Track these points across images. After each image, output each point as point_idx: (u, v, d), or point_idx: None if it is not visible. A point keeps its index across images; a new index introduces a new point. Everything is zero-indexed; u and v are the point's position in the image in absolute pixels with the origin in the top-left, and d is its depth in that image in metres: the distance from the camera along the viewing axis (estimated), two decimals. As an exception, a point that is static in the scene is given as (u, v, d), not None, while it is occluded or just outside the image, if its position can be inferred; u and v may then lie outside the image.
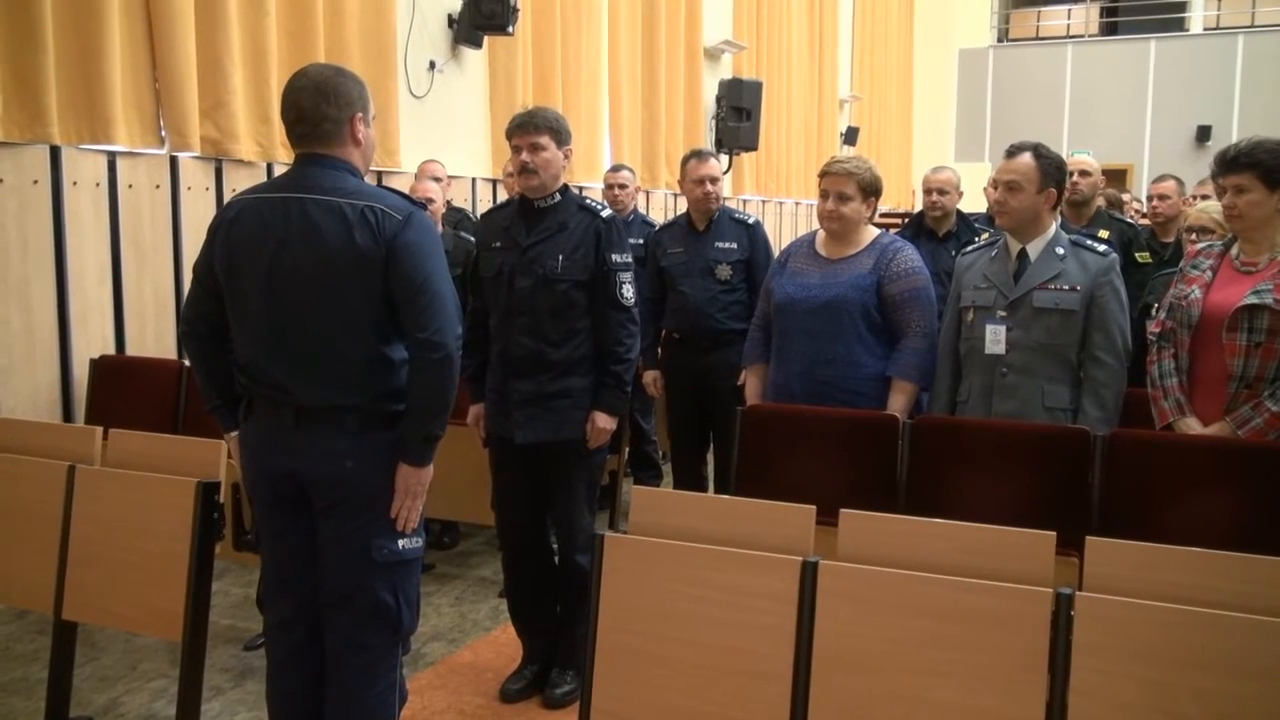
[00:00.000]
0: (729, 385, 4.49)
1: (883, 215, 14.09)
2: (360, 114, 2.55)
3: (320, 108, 2.49)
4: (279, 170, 5.52)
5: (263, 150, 5.43)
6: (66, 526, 3.13)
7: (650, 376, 4.84)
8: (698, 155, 4.68)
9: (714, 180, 4.61)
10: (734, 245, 4.59)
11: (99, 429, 3.30)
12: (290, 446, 2.51)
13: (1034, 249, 3.34)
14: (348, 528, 2.53)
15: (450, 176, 6.10)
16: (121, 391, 4.55)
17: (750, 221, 4.70)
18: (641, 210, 6.85)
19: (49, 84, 4.37)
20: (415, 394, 2.50)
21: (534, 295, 3.30)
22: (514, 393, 3.34)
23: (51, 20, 4.36)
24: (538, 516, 3.50)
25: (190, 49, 4.96)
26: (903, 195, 16.19)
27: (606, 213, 3.39)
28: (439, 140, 6.75)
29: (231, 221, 2.54)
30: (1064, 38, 17.67)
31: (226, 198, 5.22)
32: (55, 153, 4.52)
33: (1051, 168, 3.31)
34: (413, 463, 2.53)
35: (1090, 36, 17.64)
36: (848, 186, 3.52)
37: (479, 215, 3.59)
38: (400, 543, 2.57)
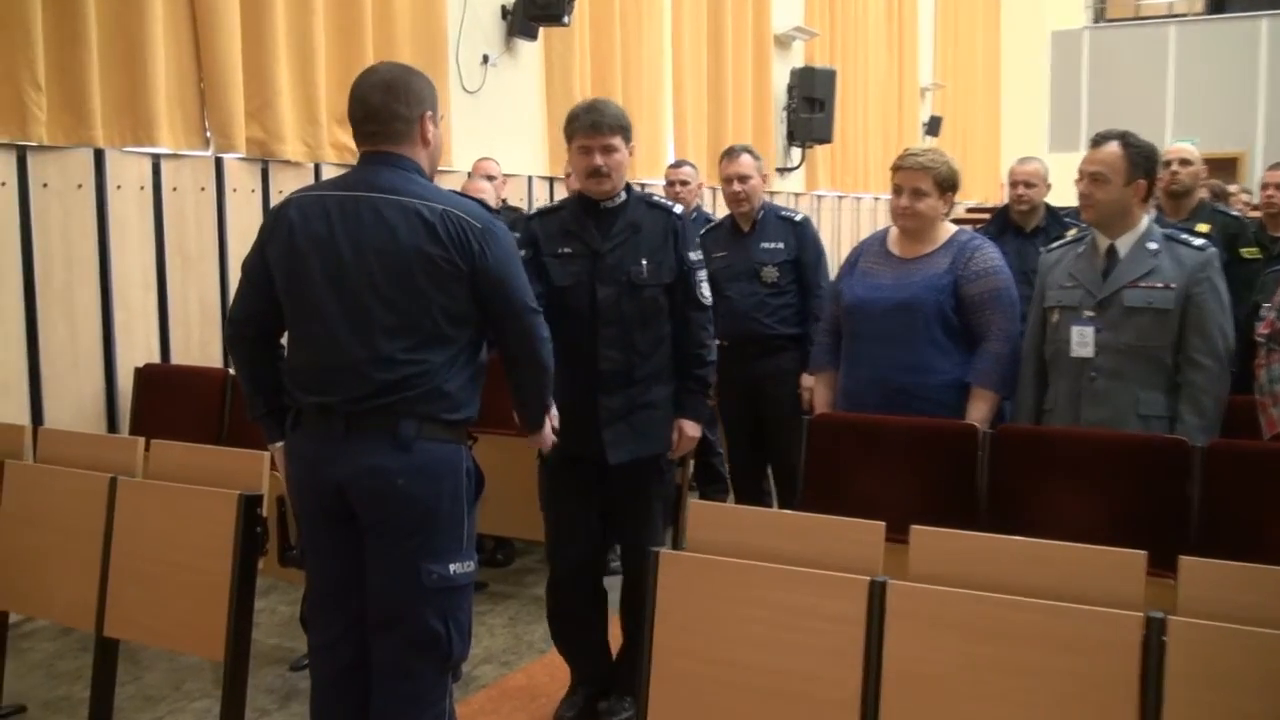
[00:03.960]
0: (783, 393, 4.48)
1: (969, 210, 13.92)
2: (430, 113, 2.59)
3: (391, 105, 2.53)
4: (327, 172, 5.63)
5: (310, 151, 5.54)
6: (108, 540, 3.21)
7: None
8: (728, 153, 4.72)
9: (743, 178, 4.60)
10: (780, 245, 4.59)
11: (141, 440, 3.39)
12: (339, 460, 2.52)
13: (1124, 244, 3.29)
14: (397, 549, 2.54)
15: (505, 175, 6.17)
16: (166, 401, 4.67)
17: (797, 219, 4.70)
18: (707, 208, 6.86)
19: (93, 86, 4.51)
20: (526, 390, 2.74)
21: (619, 303, 3.27)
22: (602, 410, 3.28)
23: (95, 21, 4.50)
24: (598, 542, 3.51)
25: (235, 48, 5.08)
26: (991, 189, 15.96)
27: (678, 209, 3.42)
28: (493, 137, 6.82)
29: (293, 219, 2.55)
30: (1166, 17, 17.30)
31: (273, 200, 5.34)
32: (99, 156, 4.66)
33: (1140, 157, 3.25)
34: (533, 429, 2.82)
35: (1195, 15, 17.24)
36: (923, 181, 3.48)
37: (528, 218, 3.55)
38: (452, 567, 2.57)
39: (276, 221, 2.60)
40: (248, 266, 2.67)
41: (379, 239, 2.48)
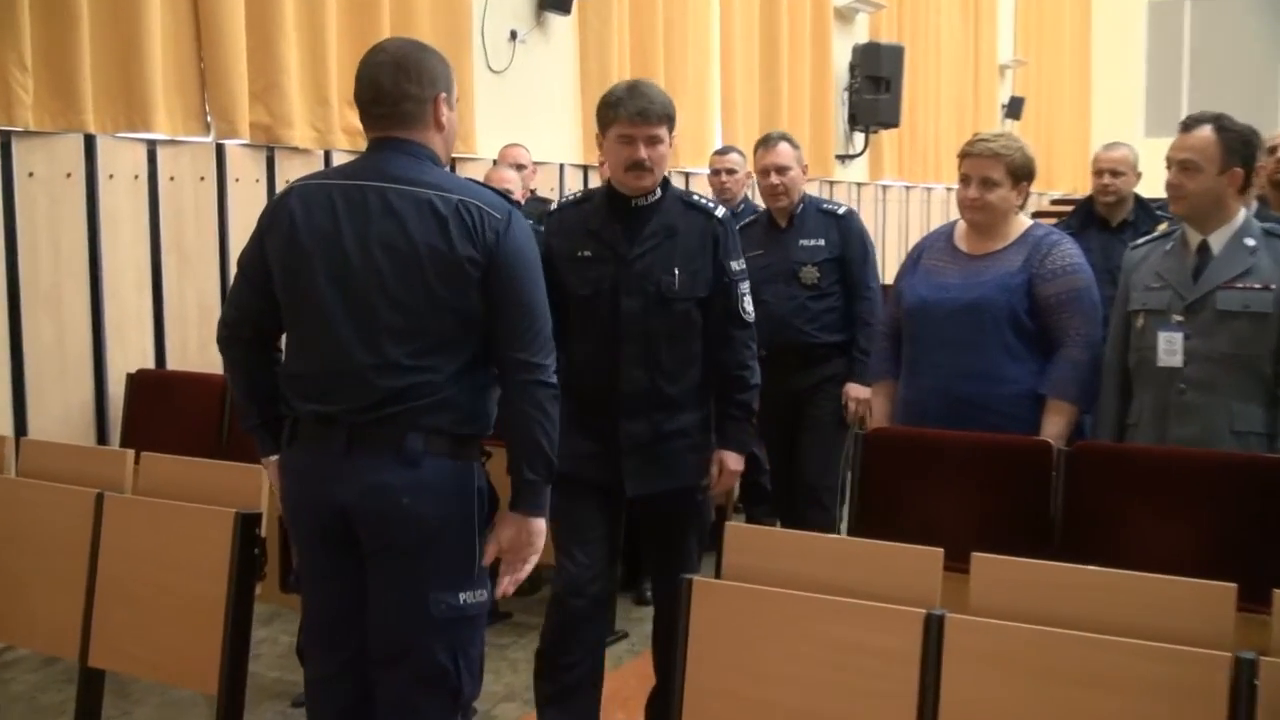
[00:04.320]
0: (823, 408, 4.45)
1: (1053, 203, 13.83)
2: (445, 94, 2.60)
3: (402, 85, 2.54)
4: (339, 160, 5.70)
5: (319, 137, 5.61)
6: (94, 561, 3.27)
7: None
8: (764, 142, 4.71)
9: (781, 169, 4.59)
10: (820, 242, 4.56)
11: (130, 452, 3.45)
12: (340, 477, 2.53)
13: (1217, 240, 3.26)
14: (401, 576, 2.55)
15: (534, 163, 6.20)
16: (160, 410, 4.74)
17: (840, 212, 4.68)
18: (755, 200, 6.86)
19: (83, 67, 4.58)
20: (519, 426, 2.54)
21: (646, 317, 3.20)
22: (623, 436, 3.22)
23: (86, -4, 4.58)
24: (613, 562, 3.43)
25: (239, 24, 5.15)
26: (1079, 178, 15.81)
27: (720, 212, 3.32)
28: (521, 121, 6.86)
29: (295, 210, 2.56)
30: (1280, -16, 17.08)
31: (279, 190, 5.40)
32: (90, 142, 4.74)
33: (1237, 143, 3.23)
34: (528, 510, 2.56)
35: (1314, -18, 17.00)
36: (994, 170, 3.47)
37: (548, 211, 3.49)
38: (462, 596, 2.56)
39: (276, 212, 2.61)
40: (244, 261, 2.68)
41: (387, 233, 2.49)
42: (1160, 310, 3.28)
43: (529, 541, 2.58)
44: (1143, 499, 3.07)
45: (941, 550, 2.43)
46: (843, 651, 2.37)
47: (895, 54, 10.31)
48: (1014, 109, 13.84)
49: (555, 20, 7.21)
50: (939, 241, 3.71)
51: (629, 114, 3.14)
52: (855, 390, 4.51)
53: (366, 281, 2.50)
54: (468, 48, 6.43)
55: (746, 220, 5.04)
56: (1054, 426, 3.39)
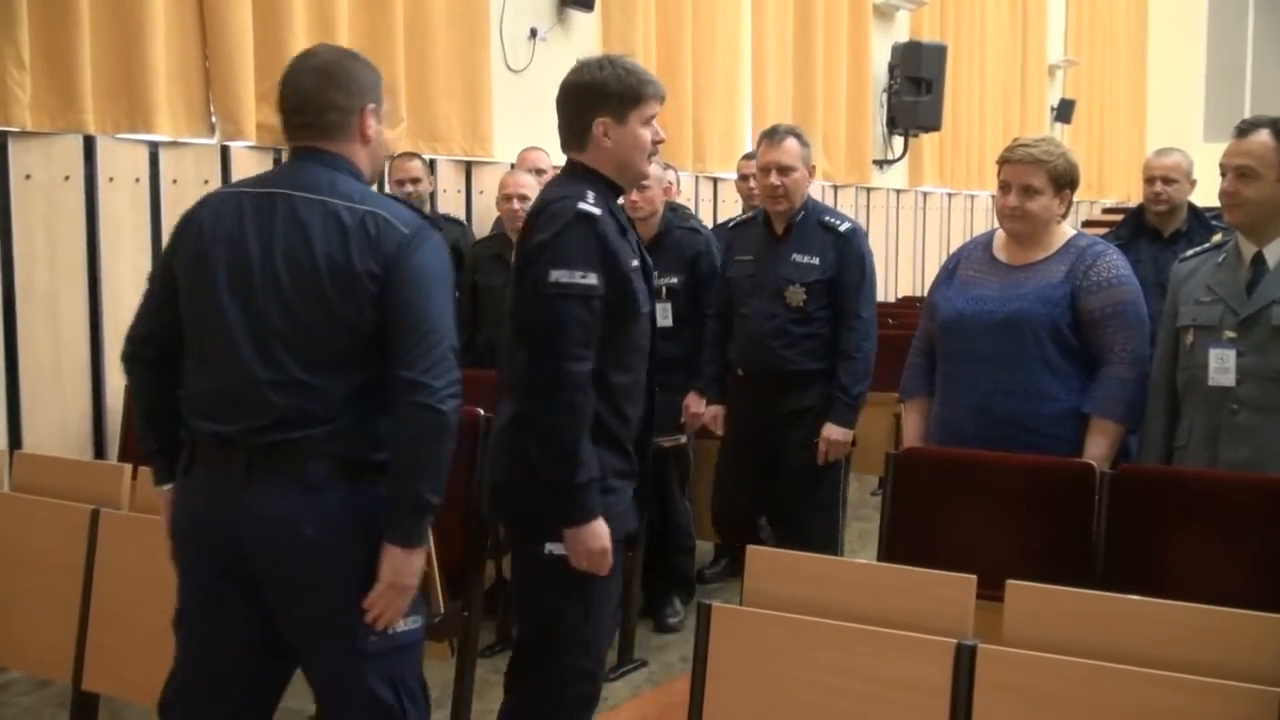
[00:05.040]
0: (797, 441, 4.31)
1: (1105, 211, 13.79)
2: (373, 105, 2.60)
3: (327, 94, 2.54)
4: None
5: (329, 138, 5.64)
6: (89, 580, 3.32)
7: (712, 413, 4.67)
8: (769, 135, 4.46)
9: (784, 169, 4.33)
10: (815, 260, 4.31)
11: (128, 467, 3.49)
12: (237, 507, 2.49)
13: (1273, 252, 3.26)
14: (318, 613, 2.52)
15: (554, 167, 6.23)
16: (160, 424, 4.77)
17: (842, 228, 4.38)
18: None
19: (83, 65, 4.62)
20: (400, 449, 2.46)
21: None
22: None
23: (87, -10, 4.63)
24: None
25: (246, 21, 5.19)
26: (1134, 186, 15.71)
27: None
28: (541, 123, 6.81)
29: (204, 220, 2.56)
30: (1353, -21, 16.98)
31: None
32: (89, 144, 4.78)
33: (1298, 148, 3.22)
34: (398, 541, 2.47)
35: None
36: (1035, 177, 3.47)
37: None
38: (389, 626, 2.53)
39: (186, 224, 2.61)
40: (152, 277, 2.69)
41: (291, 243, 2.48)
42: (1211, 326, 3.27)
43: (403, 577, 2.48)
44: (1192, 525, 3.07)
45: (974, 577, 2.44)
46: (869, 682, 2.38)
47: (937, 53, 10.30)
48: (1064, 112, 13.79)
49: (577, 17, 7.24)
50: (976, 251, 3.71)
51: (661, 93, 3.02)
52: (833, 433, 4.30)
53: (266, 293, 2.48)
54: (485, 45, 6.46)
55: (741, 219, 4.93)
56: (1098, 447, 3.40)
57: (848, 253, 4.33)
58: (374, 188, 2.68)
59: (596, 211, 2.85)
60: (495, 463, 3.04)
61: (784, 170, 4.33)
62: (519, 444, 2.86)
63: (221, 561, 2.53)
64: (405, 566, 2.48)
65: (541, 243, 2.81)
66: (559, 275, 2.76)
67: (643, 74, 2.96)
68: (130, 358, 2.69)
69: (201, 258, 2.53)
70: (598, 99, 2.90)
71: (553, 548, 2.83)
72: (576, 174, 2.97)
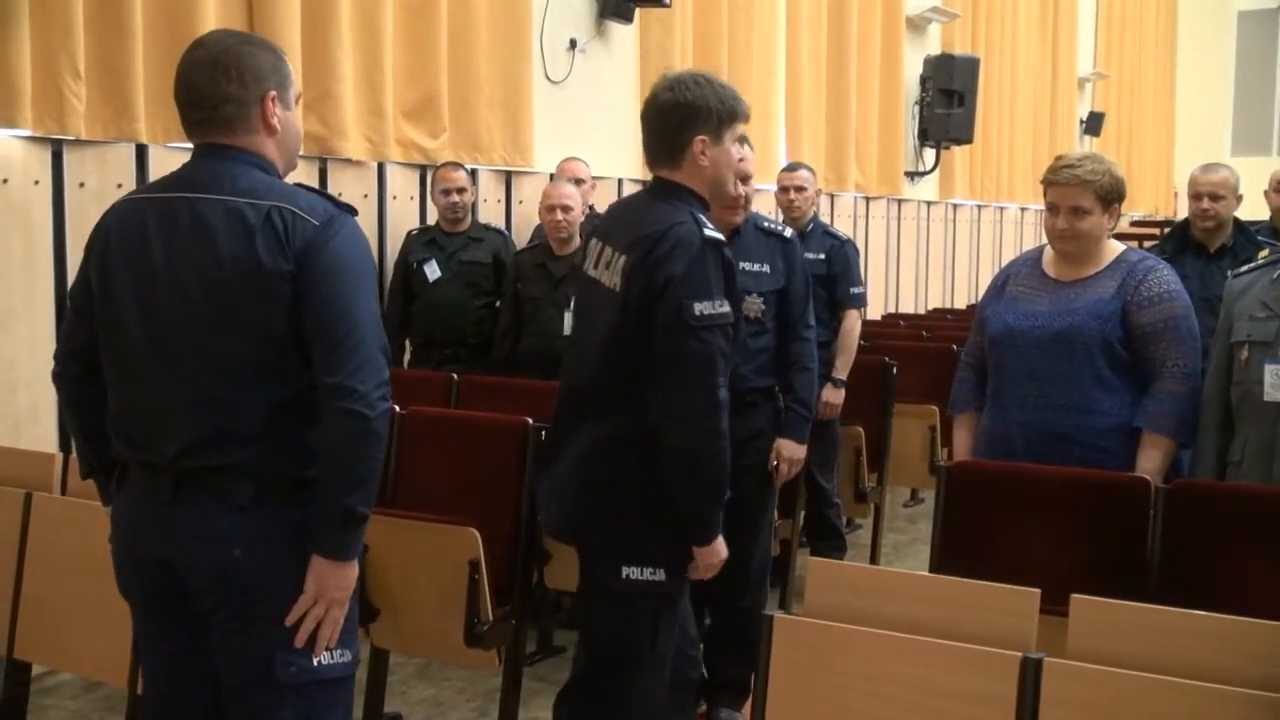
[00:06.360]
0: (752, 464, 3.92)
1: (1133, 224, 13.75)
2: (274, 93, 2.42)
3: (221, 86, 2.37)
4: (392, 172, 5.79)
5: (373, 149, 5.68)
6: (21, 564, 3.45)
7: None
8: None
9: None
10: (765, 268, 4.00)
11: (59, 454, 3.58)
12: (165, 528, 2.38)
13: (1330, 269, 3.24)
14: (240, 638, 2.38)
15: (594, 177, 6.26)
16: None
17: (786, 234, 4.14)
18: (824, 219, 6.88)
19: (136, 74, 4.67)
20: (327, 459, 2.33)
21: None
22: None
23: (140, 3, 4.67)
24: None
25: (294, 30, 5.24)
26: (1162, 199, 15.75)
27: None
28: (581, 134, 6.92)
29: (111, 230, 2.44)
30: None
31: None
32: (141, 152, 4.84)
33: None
34: (326, 553, 2.34)
35: None
36: (1083, 198, 3.45)
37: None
38: (315, 657, 2.39)
39: (96, 233, 2.49)
40: (72, 293, 2.58)
41: (195, 249, 2.33)
42: (1266, 342, 3.26)
43: (332, 591, 2.37)
44: (1247, 541, 3.05)
45: (1038, 591, 2.43)
46: (933, 695, 2.37)
47: (970, 66, 10.32)
48: (1093, 125, 13.79)
49: (616, 29, 7.28)
50: (1026, 267, 3.70)
51: (747, 113, 3.02)
52: (788, 449, 4.01)
53: (174, 306, 2.35)
54: (527, 56, 6.51)
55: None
56: (1150, 462, 3.38)
57: (792, 260, 4.06)
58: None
59: (719, 236, 2.85)
60: (574, 492, 3.00)
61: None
62: (599, 472, 2.90)
63: (160, 587, 2.44)
64: (333, 579, 2.35)
65: (676, 275, 2.78)
66: (702, 308, 2.77)
67: (736, 92, 2.96)
68: (58, 376, 2.59)
69: (106, 271, 2.42)
70: (697, 117, 2.89)
71: (629, 571, 2.85)
72: (669, 192, 2.95)
